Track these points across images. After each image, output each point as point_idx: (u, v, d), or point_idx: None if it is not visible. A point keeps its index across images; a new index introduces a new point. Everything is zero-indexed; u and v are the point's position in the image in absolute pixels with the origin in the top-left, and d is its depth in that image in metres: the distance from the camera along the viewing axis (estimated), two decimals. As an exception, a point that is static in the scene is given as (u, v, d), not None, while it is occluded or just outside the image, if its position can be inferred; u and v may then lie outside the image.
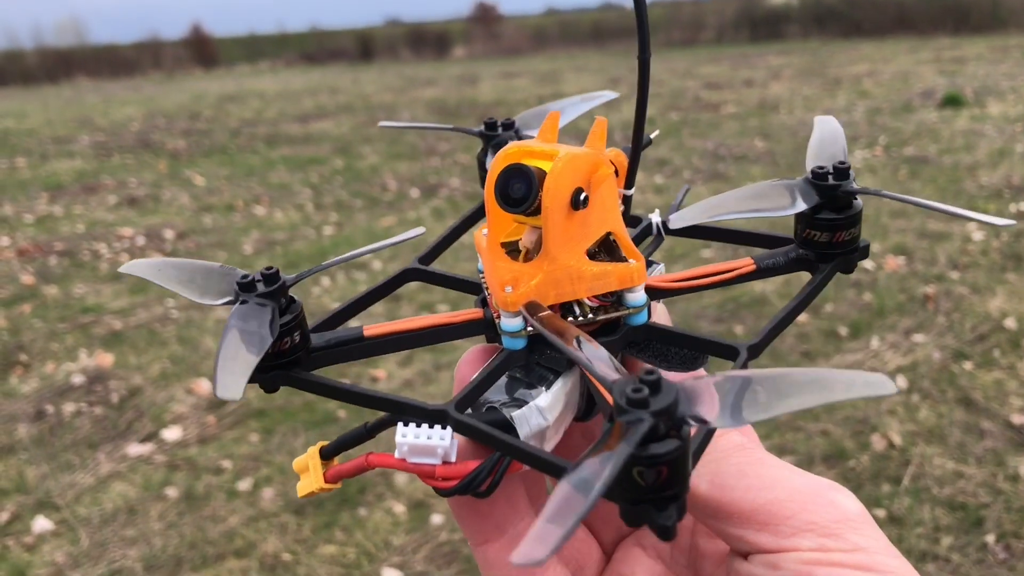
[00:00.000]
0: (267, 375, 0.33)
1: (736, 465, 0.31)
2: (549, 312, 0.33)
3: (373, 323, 0.38)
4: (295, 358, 0.34)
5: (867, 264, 3.21)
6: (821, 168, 0.38)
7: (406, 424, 0.32)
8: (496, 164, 0.34)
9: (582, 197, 0.33)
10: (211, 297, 0.35)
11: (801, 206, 0.38)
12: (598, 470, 0.21)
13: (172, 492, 2.08)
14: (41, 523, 1.99)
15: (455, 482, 0.32)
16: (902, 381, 2.30)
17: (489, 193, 0.34)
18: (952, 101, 7.02)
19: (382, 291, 0.42)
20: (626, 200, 0.39)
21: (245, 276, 0.34)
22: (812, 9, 19.68)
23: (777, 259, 0.38)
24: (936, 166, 4.82)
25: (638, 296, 0.35)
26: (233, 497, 2.05)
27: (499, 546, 0.36)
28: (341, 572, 1.79)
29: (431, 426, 0.32)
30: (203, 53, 24.53)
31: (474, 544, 0.37)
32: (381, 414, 0.34)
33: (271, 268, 0.34)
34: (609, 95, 0.46)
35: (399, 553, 1.83)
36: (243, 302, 0.33)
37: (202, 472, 2.15)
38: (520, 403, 0.32)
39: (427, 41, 22.62)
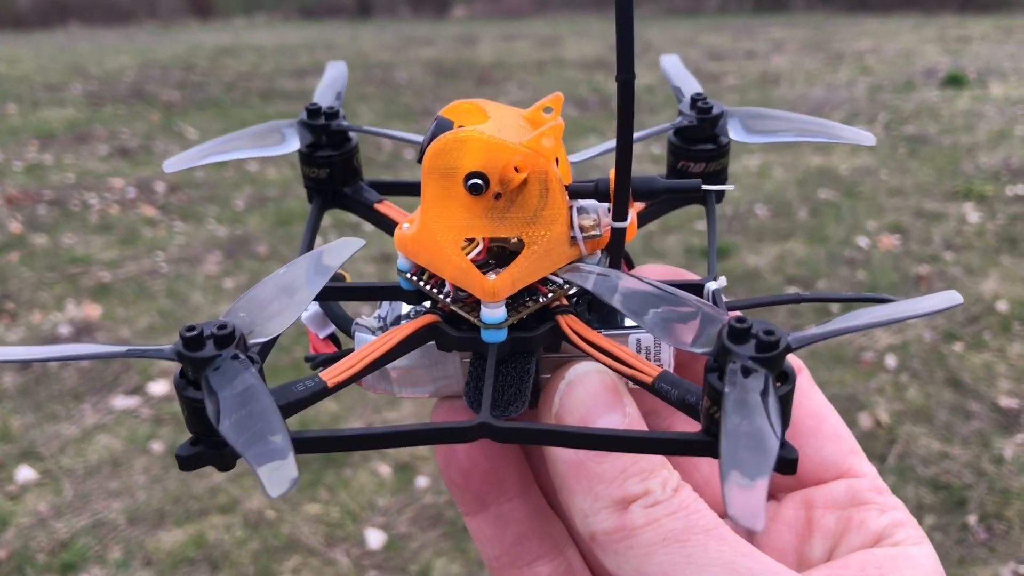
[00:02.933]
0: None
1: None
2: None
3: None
4: None
5: (861, 242, 3.20)
6: None
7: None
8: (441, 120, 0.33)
9: (470, 183, 0.30)
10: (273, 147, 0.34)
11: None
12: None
13: (157, 446, 2.08)
14: (25, 473, 1.98)
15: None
16: (892, 360, 2.30)
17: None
18: (954, 81, 6.98)
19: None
20: (615, 234, 0.34)
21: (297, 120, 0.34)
22: (817, -18, 19.50)
23: (673, 393, 0.31)
24: (935, 146, 4.80)
25: (491, 313, 0.32)
26: (218, 453, 2.05)
27: (480, 520, 0.35)
28: (324, 531, 1.80)
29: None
30: (199, 3, 24.20)
31: (463, 513, 0.37)
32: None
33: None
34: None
35: (383, 514, 1.84)
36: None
37: (188, 427, 2.15)
38: None
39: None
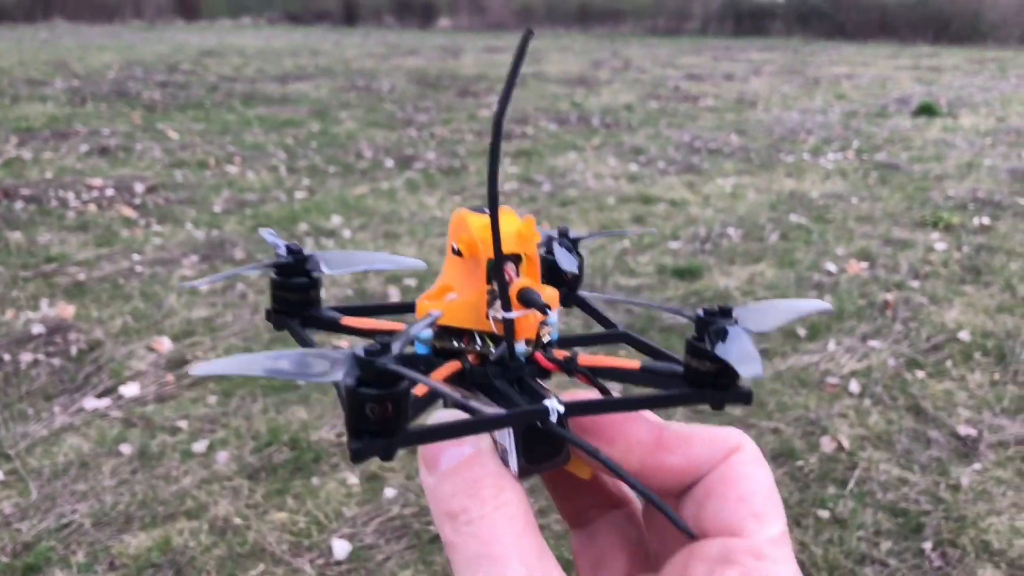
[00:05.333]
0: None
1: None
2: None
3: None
4: None
5: (830, 267, 3.26)
6: None
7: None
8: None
9: (454, 248, 0.35)
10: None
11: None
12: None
13: (126, 449, 2.08)
14: (-9, 472, 1.98)
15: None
16: (855, 386, 2.35)
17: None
18: (926, 110, 7.12)
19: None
20: (506, 324, 0.34)
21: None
22: (797, 7, 19.75)
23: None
24: (906, 174, 4.89)
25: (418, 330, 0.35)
26: (187, 458, 2.05)
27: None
28: (290, 539, 1.81)
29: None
30: (185, 3, 24.10)
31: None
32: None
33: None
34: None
35: (350, 524, 1.85)
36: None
37: (158, 431, 2.15)
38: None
39: (413, 9, 22.40)
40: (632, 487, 0.31)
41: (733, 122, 6.73)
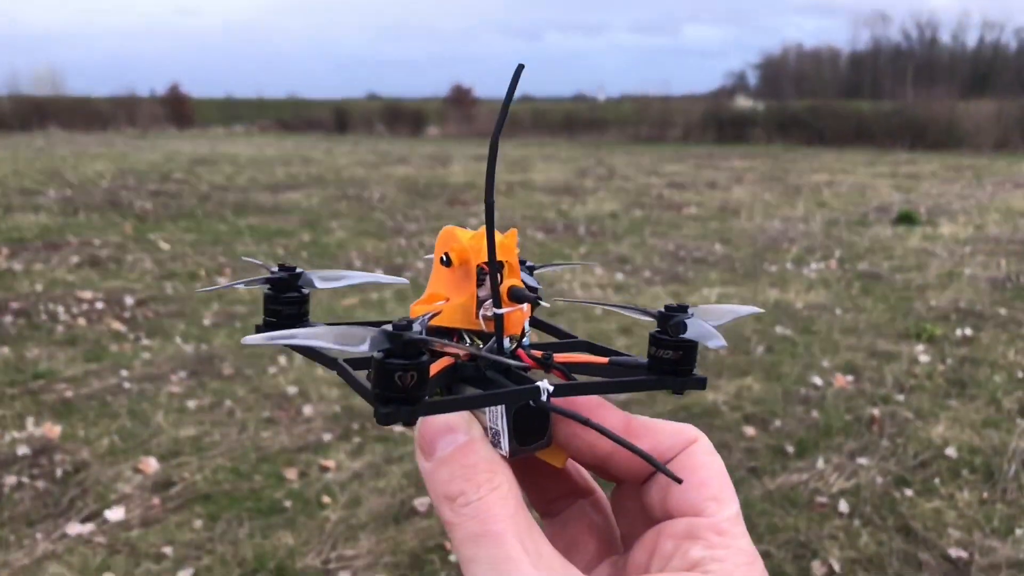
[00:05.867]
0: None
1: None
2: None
3: None
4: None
5: (816, 380, 3.28)
6: None
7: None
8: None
9: (443, 258, 0.39)
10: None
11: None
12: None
13: (109, 577, 2.04)
14: (-30, 603, 1.94)
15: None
16: (844, 505, 2.34)
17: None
18: (906, 218, 7.28)
19: None
20: (497, 319, 0.38)
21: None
22: (776, 115, 20.36)
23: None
24: (888, 284, 4.97)
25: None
26: (171, 586, 2.02)
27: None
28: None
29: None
30: (179, 112, 24.65)
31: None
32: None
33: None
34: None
35: (337, 657, 1.81)
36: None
37: (142, 558, 2.12)
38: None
39: (403, 118, 22.97)
40: (623, 444, 0.35)
41: (717, 231, 6.86)
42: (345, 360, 0.40)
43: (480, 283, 0.39)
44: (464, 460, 0.34)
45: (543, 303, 0.41)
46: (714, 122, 20.15)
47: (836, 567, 2.07)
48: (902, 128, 17.77)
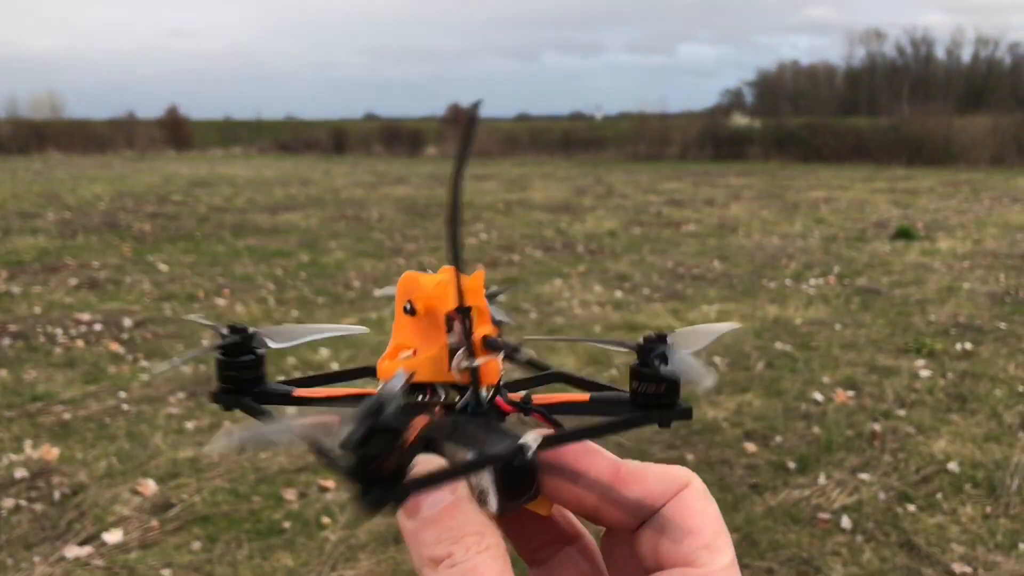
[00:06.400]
0: None
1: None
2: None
3: None
4: None
5: (817, 396, 3.28)
6: None
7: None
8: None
9: (406, 307, 0.37)
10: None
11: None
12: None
13: (107, 600, 2.03)
14: (-33, 628, 1.92)
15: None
16: (847, 521, 2.33)
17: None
18: (904, 234, 7.29)
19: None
20: (473, 372, 0.37)
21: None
22: (773, 132, 20.43)
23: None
24: (887, 299, 4.97)
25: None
26: (170, 609, 2.00)
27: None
28: None
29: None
30: (177, 134, 24.71)
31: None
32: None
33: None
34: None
35: None
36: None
37: (140, 581, 2.11)
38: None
39: (400, 138, 23.03)
40: (613, 501, 0.34)
41: (715, 248, 6.87)
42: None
43: (449, 330, 0.37)
44: (451, 521, 0.33)
45: (520, 353, 0.40)
46: (711, 140, 20.21)
47: (839, 584, 2.06)
48: (899, 144, 17.83)
